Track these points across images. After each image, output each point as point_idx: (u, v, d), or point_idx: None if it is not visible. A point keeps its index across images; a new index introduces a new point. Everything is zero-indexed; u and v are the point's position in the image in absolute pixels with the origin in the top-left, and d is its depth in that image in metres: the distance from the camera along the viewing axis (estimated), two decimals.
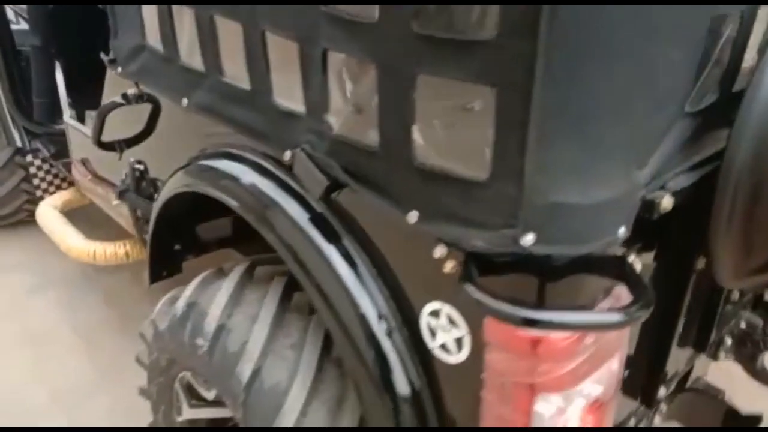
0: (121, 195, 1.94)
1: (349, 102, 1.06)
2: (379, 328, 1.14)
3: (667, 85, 0.85)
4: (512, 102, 0.78)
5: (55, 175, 3.08)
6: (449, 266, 0.97)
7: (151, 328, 1.62)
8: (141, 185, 1.92)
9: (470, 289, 0.89)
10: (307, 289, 1.21)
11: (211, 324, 1.40)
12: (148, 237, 1.80)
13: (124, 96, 1.77)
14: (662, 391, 1.27)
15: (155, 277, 1.89)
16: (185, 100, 1.49)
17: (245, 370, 1.31)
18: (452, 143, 0.98)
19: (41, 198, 3.10)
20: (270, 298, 1.43)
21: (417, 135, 0.92)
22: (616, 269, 0.91)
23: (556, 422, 0.96)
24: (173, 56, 1.48)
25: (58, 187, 3.09)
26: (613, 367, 1.02)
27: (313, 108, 1.08)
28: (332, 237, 1.20)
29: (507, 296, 0.87)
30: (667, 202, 0.91)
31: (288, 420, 1.25)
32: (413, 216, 0.98)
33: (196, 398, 1.72)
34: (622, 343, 1.03)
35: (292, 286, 1.46)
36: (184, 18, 1.42)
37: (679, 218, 0.99)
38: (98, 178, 2.25)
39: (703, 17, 0.86)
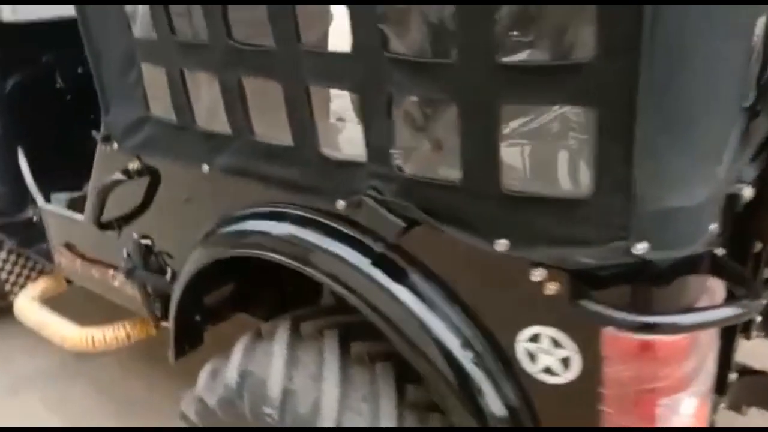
0: (129, 274, 1.85)
1: (423, 141, 1.06)
2: (465, 357, 1.13)
3: (738, 82, 0.90)
4: (615, 118, 0.81)
5: (23, 266, 2.90)
6: (551, 288, 0.98)
7: (195, 405, 1.53)
8: (149, 261, 1.84)
9: (585, 304, 0.90)
10: (386, 333, 1.19)
11: (274, 390, 1.34)
12: (171, 311, 1.72)
13: (126, 172, 1.70)
14: (731, 377, 1.31)
15: (180, 352, 1.81)
16: (206, 167, 1.45)
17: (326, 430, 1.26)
18: (542, 167, 1.00)
19: (9, 293, 2.91)
20: (328, 353, 1.39)
21: (503, 163, 0.93)
22: (713, 265, 0.94)
23: (677, 424, 0.97)
24: (189, 124, 1.44)
25: (27, 278, 2.91)
26: (711, 361, 1.05)
27: (377, 153, 1.08)
28: (402, 277, 1.19)
29: (623, 306, 0.89)
30: (748, 193, 0.96)
31: None
32: (502, 244, 0.98)
33: None
34: (716, 337, 1.06)
35: (346, 338, 1.43)
36: (202, 84, 1.40)
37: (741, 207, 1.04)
38: (90, 261, 2.13)
39: (758, 13, 0.92)
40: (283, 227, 1.34)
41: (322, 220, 1.27)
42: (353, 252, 1.23)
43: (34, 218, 2.62)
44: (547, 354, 1.04)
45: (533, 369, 1.07)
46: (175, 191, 1.66)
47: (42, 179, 2.56)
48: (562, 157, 0.95)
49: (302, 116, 1.18)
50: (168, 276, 1.79)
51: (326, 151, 1.19)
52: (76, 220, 2.15)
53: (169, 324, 1.93)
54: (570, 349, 1.01)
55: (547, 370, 1.05)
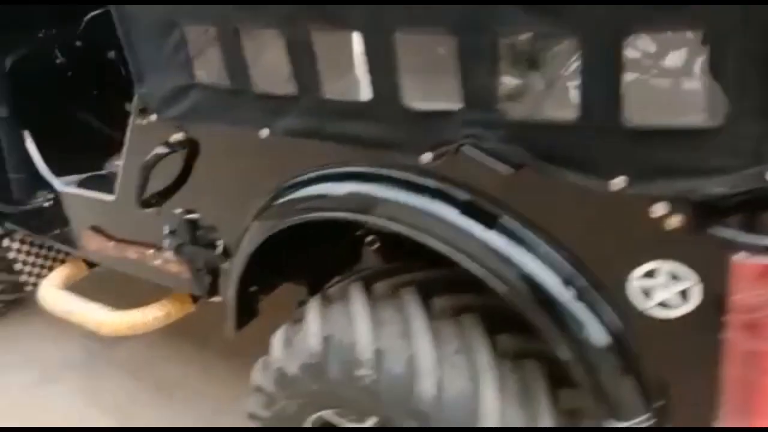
0: (178, 250, 1.80)
1: (533, 82, 1.03)
2: (566, 294, 1.12)
3: None
4: (752, 44, 0.79)
5: (38, 255, 2.82)
6: (674, 221, 0.97)
7: (274, 374, 1.51)
8: (196, 236, 1.79)
9: (715, 232, 0.90)
10: (492, 284, 1.17)
11: (366, 351, 1.33)
12: (232, 284, 1.69)
13: (168, 144, 1.64)
14: None
15: (240, 325, 1.78)
16: (265, 131, 1.40)
17: (427, 387, 1.25)
18: (669, 98, 0.98)
19: (26, 283, 2.83)
20: (412, 310, 1.38)
21: (626, 97, 0.91)
22: None
23: None
24: (245, 87, 1.38)
25: (43, 267, 2.83)
26: None
27: (476, 100, 1.05)
28: (498, 224, 1.17)
29: (753, 231, 0.89)
30: None
31: (491, 422, 1.21)
32: (620, 181, 0.97)
33: None
34: None
35: (425, 294, 1.42)
36: (260, 44, 1.34)
37: None
38: (124, 243, 2.07)
39: None
40: (362, 186, 1.30)
41: (404, 175, 1.24)
42: (444, 205, 1.20)
43: (45, 204, 2.53)
44: (663, 288, 1.04)
45: (645, 305, 1.07)
46: (226, 160, 1.60)
47: (50, 162, 2.47)
48: (692, 87, 0.93)
49: (385, 68, 1.13)
50: (219, 250, 1.75)
51: (410, 103, 1.15)
52: (104, 201, 2.07)
53: (218, 299, 1.91)
54: (690, 281, 1.01)
55: (662, 305, 1.05)
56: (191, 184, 1.72)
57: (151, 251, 1.97)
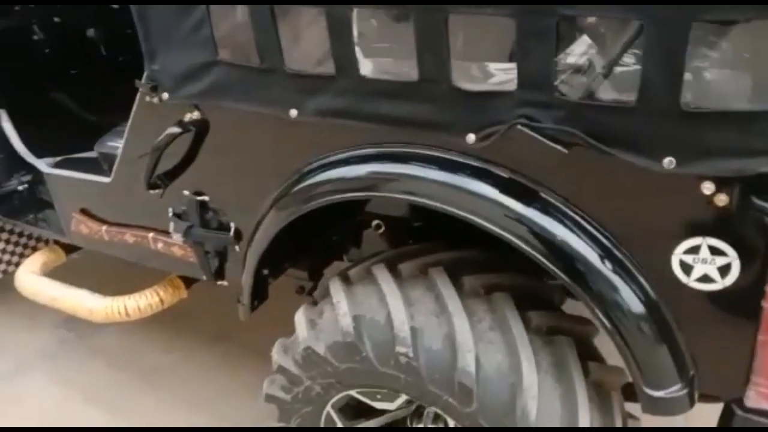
0: (187, 233, 1.75)
1: (592, 66, 1.06)
2: (605, 267, 1.17)
3: None
4: None
5: (13, 243, 2.69)
6: (720, 199, 1.03)
7: (301, 354, 1.51)
8: (206, 218, 1.75)
9: (759, 209, 0.96)
10: (541, 261, 1.20)
11: (402, 330, 1.35)
12: (248, 267, 1.67)
13: (181, 123, 1.60)
14: None
15: (252, 308, 1.76)
16: (294, 111, 1.39)
17: (468, 362, 1.28)
18: (723, 83, 1.03)
19: (4, 271, 2.70)
20: (443, 289, 1.40)
21: (686, 83, 0.96)
22: None
23: None
24: (276, 66, 1.36)
25: (20, 255, 2.71)
26: None
27: (533, 81, 1.07)
28: (537, 200, 1.20)
29: None
30: None
31: (531, 395, 1.25)
32: (672, 161, 1.02)
33: (353, 417, 1.65)
34: None
35: (453, 273, 1.44)
36: (294, 22, 1.32)
37: None
38: (121, 226, 1.99)
39: None
40: (404, 167, 1.30)
41: (449, 155, 1.26)
42: (489, 184, 1.23)
43: (20, 188, 2.41)
44: (704, 263, 1.10)
45: (687, 279, 1.13)
46: (245, 141, 1.57)
47: (28, 143, 2.35)
48: (746, 71, 0.98)
49: (436, 48, 1.14)
50: (231, 232, 1.72)
51: (461, 83, 1.16)
52: (98, 183, 2.00)
53: (224, 283, 1.88)
54: (731, 256, 1.07)
55: (703, 279, 1.12)
56: (202, 165, 1.68)
57: (152, 234, 1.91)
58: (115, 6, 2.58)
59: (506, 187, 1.22)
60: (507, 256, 1.50)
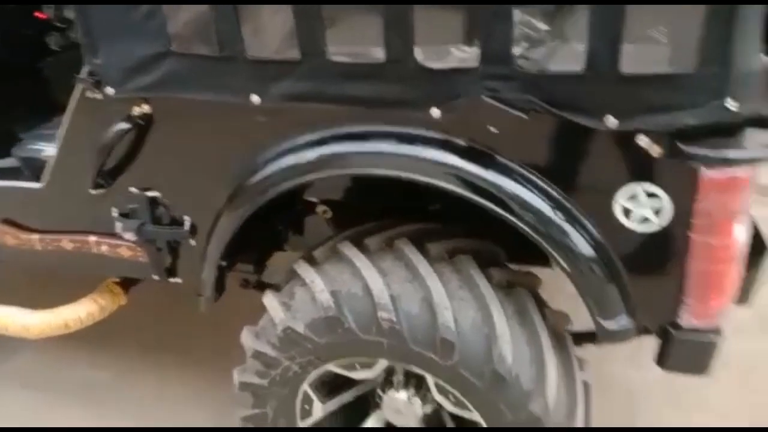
0: (140, 231, 1.72)
1: (547, 41, 1.21)
2: (557, 216, 1.34)
3: None
4: (721, 12, 1.05)
5: None
6: (655, 149, 1.22)
7: (278, 336, 1.55)
8: (157, 214, 1.73)
9: (689, 151, 1.17)
10: (508, 216, 1.35)
11: (382, 297, 1.44)
12: (210, 261, 1.68)
13: (130, 118, 1.58)
14: None
15: (215, 299, 1.78)
16: (255, 98, 1.43)
17: (447, 319, 1.40)
18: (658, 51, 1.22)
19: None
20: (413, 257, 1.51)
21: (624, 51, 1.14)
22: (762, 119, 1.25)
23: (739, 247, 1.30)
24: (236, 54, 1.39)
25: None
26: None
27: (495, 57, 1.21)
28: (492, 162, 1.34)
29: (715, 150, 1.17)
30: None
31: (505, 341, 1.40)
32: (611, 121, 1.20)
33: (328, 393, 1.72)
34: None
35: (418, 243, 1.55)
36: (261, 9, 1.36)
37: None
38: (56, 233, 1.90)
39: None
40: (376, 144, 1.39)
41: (415, 130, 1.36)
42: (452, 153, 1.35)
43: None
44: (641, 207, 1.30)
45: (627, 222, 1.32)
46: (198, 132, 1.57)
47: None
48: (675, 41, 1.18)
49: (402, 30, 1.24)
50: (186, 227, 1.72)
51: (426, 62, 1.28)
52: (26, 190, 1.90)
53: (177, 280, 1.86)
54: (664, 199, 1.28)
55: (641, 220, 1.31)
56: (150, 160, 1.66)
57: (94, 238, 1.85)
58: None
59: (467, 154, 1.35)
60: (455, 225, 1.66)
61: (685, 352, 1.42)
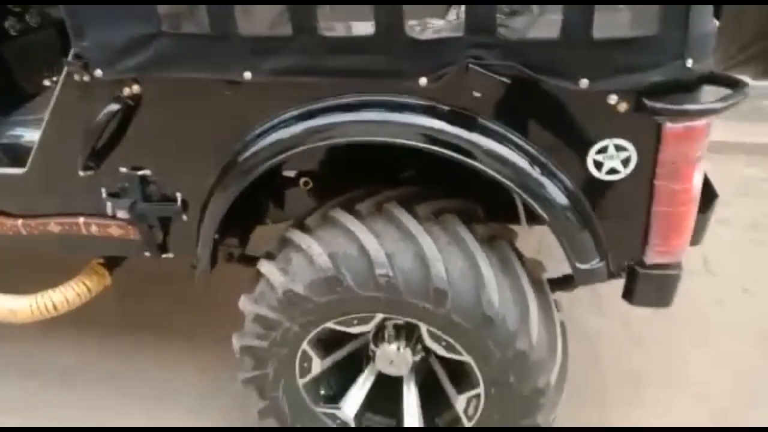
0: (132, 209, 1.77)
1: (525, 11, 1.32)
2: (535, 170, 1.48)
3: None
4: None
5: None
6: (622, 106, 1.37)
7: (280, 298, 1.64)
8: (147, 192, 1.78)
9: (651, 110, 1.32)
10: (491, 172, 1.47)
11: (378, 255, 1.55)
12: (206, 234, 1.74)
13: (119, 99, 1.61)
14: None
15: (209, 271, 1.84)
16: (248, 74, 1.49)
17: (439, 270, 1.52)
18: (622, 17, 1.35)
19: None
20: (402, 217, 1.62)
21: (596, 19, 1.27)
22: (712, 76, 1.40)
23: (697, 191, 1.47)
24: (227, 32, 1.45)
25: None
26: None
27: (479, 27, 1.31)
28: (475, 125, 1.46)
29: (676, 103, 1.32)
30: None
31: (492, 287, 1.53)
32: (584, 83, 1.34)
33: (325, 350, 1.82)
34: None
35: (406, 205, 1.66)
36: None
37: None
38: (41, 217, 1.91)
39: None
40: (364, 114, 1.48)
41: (402, 98, 1.46)
42: (439, 118, 1.46)
43: None
44: (611, 159, 1.45)
45: (598, 174, 1.47)
46: (188, 109, 1.62)
47: None
48: (640, 9, 1.31)
49: (390, 3, 1.33)
50: (178, 202, 1.77)
51: (413, 34, 1.37)
52: (8, 176, 1.89)
53: (169, 255, 1.91)
54: (630, 150, 1.43)
55: (611, 171, 1.46)
56: (140, 139, 1.69)
57: (82, 219, 1.88)
58: None
59: (452, 118, 1.46)
60: (433, 188, 1.77)
61: (651, 287, 1.59)
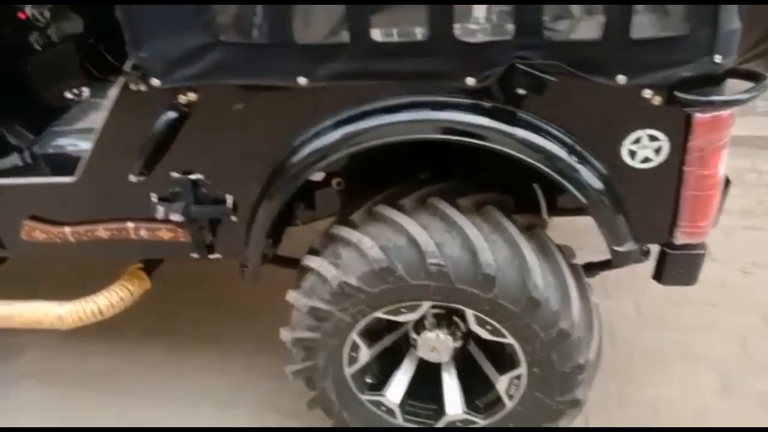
0: (186, 212, 1.84)
1: (574, 15, 1.44)
2: (573, 160, 1.60)
3: None
4: None
5: None
6: (657, 99, 1.49)
7: (333, 289, 1.74)
8: (199, 195, 1.85)
9: (682, 102, 1.45)
10: (533, 162, 1.58)
11: (429, 245, 1.65)
12: (257, 234, 1.82)
13: (176, 107, 1.69)
14: None
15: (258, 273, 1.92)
16: (303, 79, 1.58)
17: (487, 257, 1.63)
18: (657, 18, 1.47)
19: None
20: (447, 210, 1.72)
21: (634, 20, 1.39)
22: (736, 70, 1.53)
23: (723, 174, 1.60)
24: (285, 40, 1.53)
25: None
26: None
27: (527, 29, 1.43)
28: (512, 119, 1.57)
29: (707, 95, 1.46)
30: None
31: (536, 272, 1.64)
32: (622, 79, 1.46)
33: (372, 339, 1.92)
34: None
35: (449, 199, 1.77)
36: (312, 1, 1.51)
37: None
38: (90, 224, 1.97)
39: None
40: (412, 113, 1.59)
41: (449, 98, 1.57)
42: (483, 117, 1.57)
43: None
44: (645, 149, 1.57)
45: (632, 162, 1.59)
46: (243, 114, 1.69)
47: None
48: (674, 10, 1.43)
49: (442, 11, 1.44)
50: (229, 204, 1.85)
51: (464, 37, 1.48)
52: (57, 185, 1.95)
53: (216, 256, 1.99)
54: (663, 140, 1.55)
55: (644, 160, 1.59)
56: (192, 144, 1.76)
57: (132, 224, 1.95)
58: None
59: (496, 114, 1.58)
60: (469, 182, 1.88)
61: (680, 266, 1.72)
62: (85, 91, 2.64)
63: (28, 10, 2.48)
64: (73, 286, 2.21)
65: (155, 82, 1.64)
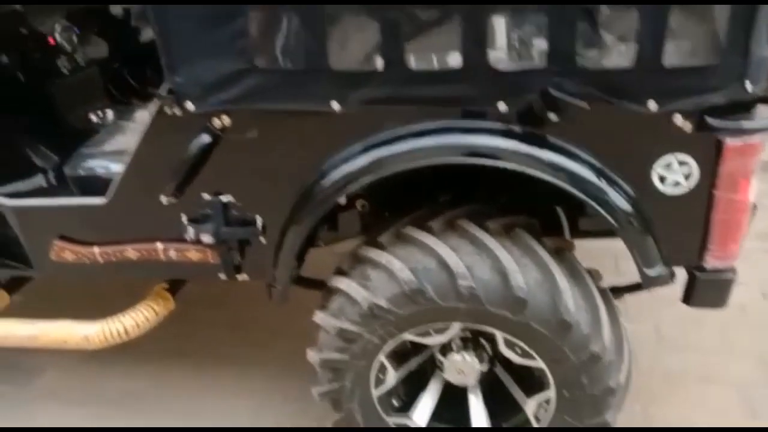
0: (216, 233, 1.86)
1: (606, 43, 1.47)
2: (602, 183, 1.61)
3: None
4: (743, 14, 1.35)
5: None
6: (687, 125, 1.51)
7: (363, 311, 1.75)
8: (229, 216, 1.87)
9: (713, 128, 1.47)
10: (564, 185, 1.60)
11: (459, 267, 1.66)
12: (287, 255, 1.84)
13: (209, 131, 1.72)
14: None
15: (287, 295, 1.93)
16: (336, 104, 1.61)
17: (519, 281, 1.64)
18: (689, 47, 1.49)
19: None
20: (476, 232, 1.74)
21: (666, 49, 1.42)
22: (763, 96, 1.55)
23: (750, 199, 1.61)
24: (319, 67, 1.56)
25: None
26: None
27: (561, 57, 1.45)
28: (542, 143, 1.59)
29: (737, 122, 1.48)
30: None
31: (567, 295, 1.65)
32: (653, 105, 1.48)
33: (399, 361, 1.93)
34: None
35: (477, 221, 1.78)
36: (346, 26, 1.54)
37: None
38: (119, 244, 1.98)
39: None
40: (444, 137, 1.61)
41: (487, 123, 1.59)
42: (514, 141, 1.59)
43: None
44: (674, 173, 1.59)
45: (662, 187, 1.61)
46: (275, 137, 1.72)
47: None
48: (706, 38, 1.46)
49: (478, 39, 1.47)
50: (258, 225, 1.87)
51: (498, 65, 1.51)
52: (88, 206, 1.98)
53: (243, 277, 2.00)
54: (692, 166, 1.57)
55: (674, 184, 1.60)
56: (223, 166, 1.79)
57: (161, 245, 1.97)
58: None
59: (528, 139, 1.60)
60: (493, 205, 1.90)
61: (709, 289, 1.73)
62: (109, 114, 2.67)
63: (58, 36, 2.53)
64: (91, 307, 2.23)
65: (190, 106, 1.68)
